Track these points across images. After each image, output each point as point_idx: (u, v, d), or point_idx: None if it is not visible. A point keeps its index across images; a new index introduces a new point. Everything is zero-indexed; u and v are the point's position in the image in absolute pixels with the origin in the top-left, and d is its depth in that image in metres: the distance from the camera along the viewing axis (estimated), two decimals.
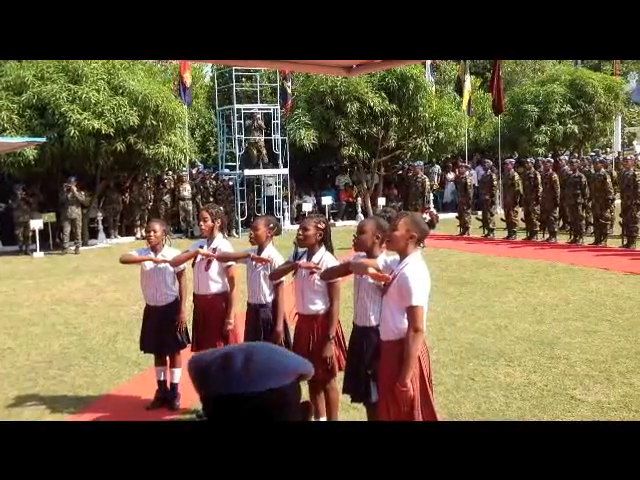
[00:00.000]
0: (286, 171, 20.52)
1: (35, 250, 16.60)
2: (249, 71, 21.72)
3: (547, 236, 16.45)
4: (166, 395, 6.01)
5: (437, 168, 25.31)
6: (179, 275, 5.99)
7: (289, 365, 1.33)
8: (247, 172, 19.87)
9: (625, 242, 14.86)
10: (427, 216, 16.18)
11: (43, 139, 12.67)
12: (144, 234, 6.53)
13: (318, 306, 4.84)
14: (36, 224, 16.59)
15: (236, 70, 20.14)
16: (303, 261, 4.88)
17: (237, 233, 19.27)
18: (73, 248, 16.86)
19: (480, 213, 18.29)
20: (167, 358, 6.07)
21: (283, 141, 20.36)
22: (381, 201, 20.74)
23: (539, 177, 16.39)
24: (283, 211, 20.60)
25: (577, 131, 23.58)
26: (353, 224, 18.35)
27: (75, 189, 16.72)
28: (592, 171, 15.81)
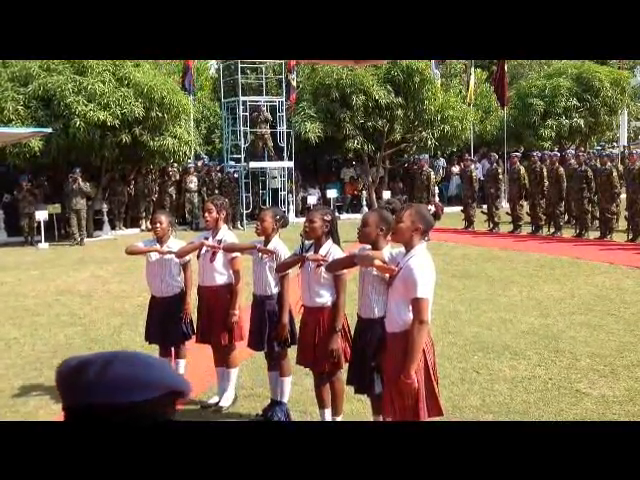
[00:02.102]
0: (291, 164, 20.50)
1: (40, 241, 16.63)
2: (254, 63, 21.67)
3: (552, 230, 16.42)
4: None
5: (442, 161, 25.25)
6: (184, 267, 6.00)
7: (154, 378, 1.25)
8: (252, 164, 19.85)
9: (630, 236, 14.82)
10: (432, 207, 16.15)
11: (49, 130, 12.67)
12: (149, 226, 6.54)
13: (324, 298, 4.83)
14: (41, 215, 16.62)
15: (241, 62, 20.10)
16: (310, 254, 4.88)
17: (242, 225, 19.28)
18: (78, 239, 16.89)
19: (485, 207, 18.25)
20: (172, 349, 6.08)
21: (288, 134, 20.34)
22: (386, 194, 20.68)
23: (545, 171, 16.34)
24: (288, 204, 20.58)
25: (583, 125, 23.46)
26: (358, 217, 18.34)
27: (80, 180, 16.74)
28: (598, 165, 15.76)
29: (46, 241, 16.67)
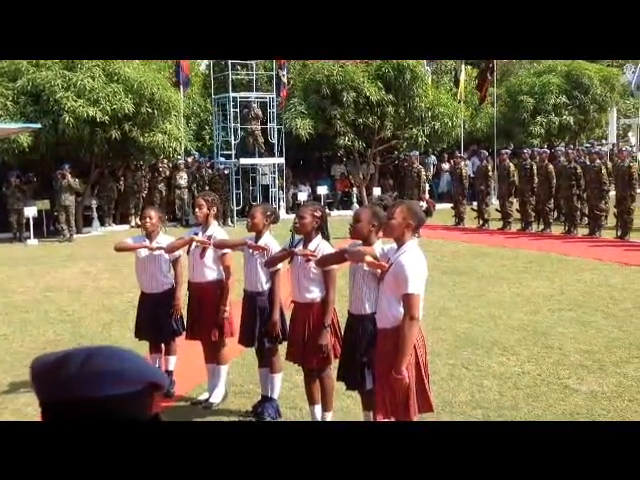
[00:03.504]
0: (282, 160, 20.48)
1: (29, 237, 16.55)
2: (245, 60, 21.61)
3: (542, 227, 16.48)
4: None
5: (432, 158, 25.29)
6: (174, 262, 5.98)
7: (134, 372, 1.24)
8: (243, 161, 19.82)
9: (619, 233, 14.90)
10: (424, 203, 16.21)
11: (38, 125, 12.61)
12: (139, 222, 6.51)
13: (314, 294, 4.83)
14: (30, 211, 16.54)
15: None
16: (299, 248, 4.88)
17: (232, 222, 19.24)
18: (67, 235, 16.81)
19: (475, 204, 18.30)
20: (162, 345, 6.07)
21: (279, 130, 20.31)
22: (376, 191, 20.70)
23: (534, 168, 16.40)
24: (278, 200, 20.56)
25: (572, 122, 23.54)
26: (348, 214, 18.33)
27: (69, 176, 16.65)
28: (587, 162, 15.83)
29: (35, 237, 16.58)
